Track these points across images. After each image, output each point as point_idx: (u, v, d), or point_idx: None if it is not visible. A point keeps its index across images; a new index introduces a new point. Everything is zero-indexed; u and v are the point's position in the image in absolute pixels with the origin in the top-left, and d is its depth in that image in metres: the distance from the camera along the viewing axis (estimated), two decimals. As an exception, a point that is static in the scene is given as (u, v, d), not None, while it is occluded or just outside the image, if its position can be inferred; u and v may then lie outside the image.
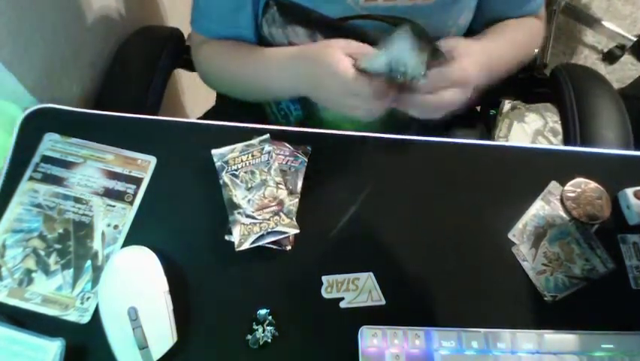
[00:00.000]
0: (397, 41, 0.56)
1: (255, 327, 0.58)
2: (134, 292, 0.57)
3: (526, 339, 0.57)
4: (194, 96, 1.32)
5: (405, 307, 0.60)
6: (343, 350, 0.57)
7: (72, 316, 0.59)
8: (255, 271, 0.62)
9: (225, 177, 0.65)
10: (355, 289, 0.61)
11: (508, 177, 0.68)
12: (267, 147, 0.66)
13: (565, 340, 0.58)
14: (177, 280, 0.60)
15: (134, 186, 0.65)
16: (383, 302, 0.60)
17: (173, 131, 0.70)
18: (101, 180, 0.65)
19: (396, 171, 0.68)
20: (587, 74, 0.88)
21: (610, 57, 1.94)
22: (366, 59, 0.59)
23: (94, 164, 0.66)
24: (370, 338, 0.57)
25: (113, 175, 0.66)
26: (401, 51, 0.57)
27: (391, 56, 0.57)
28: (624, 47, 1.92)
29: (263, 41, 0.76)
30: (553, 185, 0.67)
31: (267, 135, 0.67)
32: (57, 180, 0.65)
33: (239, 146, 0.67)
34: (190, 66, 0.92)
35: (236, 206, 0.63)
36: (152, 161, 0.67)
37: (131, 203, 0.64)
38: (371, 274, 0.61)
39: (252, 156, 0.66)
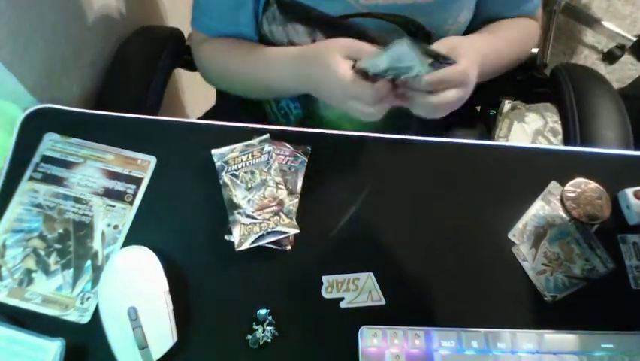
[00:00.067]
0: (398, 44, 0.57)
1: (255, 327, 0.58)
2: (134, 292, 0.57)
3: (526, 339, 0.57)
4: (194, 96, 1.32)
5: (405, 307, 0.60)
6: (343, 350, 0.57)
7: (72, 316, 0.59)
8: (255, 271, 0.62)
9: (225, 177, 0.65)
10: (355, 289, 0.61)
11: (508, 177, 0.68)
12: (267, 147, 0.66)
13: (565, 340, 0.58)
14: (177, 280, 0.60)
15: (134, 186, 0.65)
16: (383, 302, 0.60)
17: (173, 131, 0.70)
18: (101, 180, 0.65)
19: (395, 171, 0.68)
20: (587, 74, 0.88)
21: (610, 57, 1.94)
22: (366, 60, 0.59)
23: (94, 164, 0.66)
24: (370, 338, 0.57)
25: (113, 175, 0.66)
26: (401, 53, 0.57)
27: (392, 56, 0.57)
28: (624, 47, 1.92)
29: (263, 39, 0.76)
30: (553, 185, 0.67)
31: (267, 135, 0.67)
32: (57, 180, 0.65)
33: (239, 146, 0.67)
34: (190, 66, 0.92)
35: (236, 206, 0.63)
36: (152, 161, 0.67)
37: (131, 203, 0.64)
38: (371, 274, 0.61)
39: (252, 156, 0.66)
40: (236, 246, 0.61)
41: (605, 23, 1.95)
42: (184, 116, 1.30)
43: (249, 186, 0.64)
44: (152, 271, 0.59)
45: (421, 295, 0.61)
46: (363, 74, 0.60)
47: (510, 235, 0.64)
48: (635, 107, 1.09)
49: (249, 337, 0.58)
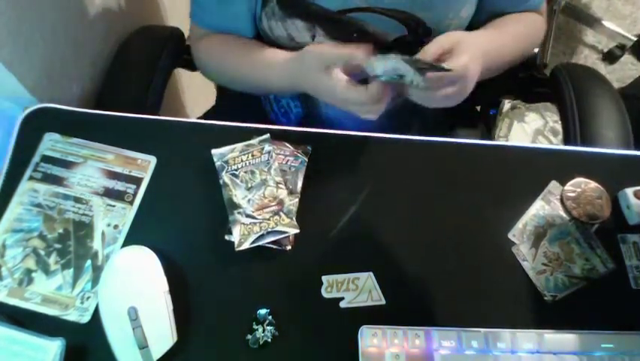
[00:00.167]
0: (389, 58, 0.58)
1: (255, 327, 0.58)
2: (134, 292, 0.57)
3: (526, 339, 0.57)
4: (194, 96, 1.32)
5: (405, 307, 0.60)
6: (343, 350, 0.57)
7: (72, 316, 0.59)
8: (255, 271, 0.62)
9: (225, 177, 0.65)
10: (355, 289, 0.61)
11: (508, 177, 0.68)
12: (267, 147, 0.66)
13: (565, 340, 0.58)
14: (177, 280, 0.60)
15: (134, 186, 0.65)
16: (383, 302, 0.60)
17: (173, 131, 0.70)
18: (101, 179, 0.65)
19: (396, 171, 0.68)
20: (587, 74, 0.88)
21: (610, 57, 1.94)
22: (365, 62, 0.59)
23: (94, 164, 0.66)
24: (370, 338, 0.57)
25: (113, 175, 0.66)
26: (394, 65, 0.57)
27: (384, 67, 0.58)
28: (624, 46, 1.92)
29: (262, 34, 0.76)
30: (554, 185, 0.67)
31: (267, 135, 0.67)
32: (57, 180, 0.65)
33: (239, 146, 0.67)
34: (190, 66, 0.92)
35: (236, 206, 0.63)
36: (152, 161, 0.67)
37: (131, 203, 0.64)
38: (371, 274, 0.61)
39: (252, 155, 0.66)
40: (236, 246, 0.61)
41: (605, 23, 1.95)
42: (184, 116, 1.30)
43: (249, 185, 0.64)
44: (152, 271, 0.59)
45: (421, 295, 0.61)
46: (358, 81, 0.60)
47: (510, 235, 0.64)
48: (635, 107, 1.09)
49: (249, 337, 0.58)
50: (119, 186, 0.65)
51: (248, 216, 0.62)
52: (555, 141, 1.78)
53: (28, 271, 0.60)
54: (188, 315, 0.59)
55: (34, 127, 0.67)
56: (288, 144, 0.68)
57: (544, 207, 0.66)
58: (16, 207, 0.63)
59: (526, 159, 0.70)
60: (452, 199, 0.66)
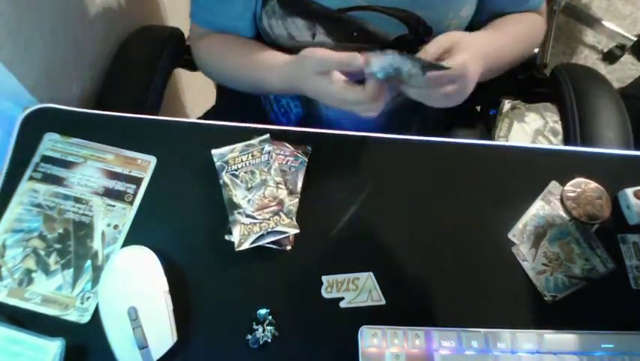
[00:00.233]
0: (387, 54, 0.57)
1: (255, 327, 0.58)
2: (134, 292, 0.57)
3: (526, 339, 0.57)
4: (194, 96, 1.32)
5: (405, 307, 0.60)
6: (343, 350, 0.57)
7: (72, 316, 0.59)
8: (255, 271, 0.62)
9: (225, 177, 0.65)
10: (355, 289, 0.61)
11: (508, 177, 0.68)
12: (267, 147, 0.66)
13: (565, 340, 0.58)
14: (177, 280, 0.60)
15: (134, 186, 0.65)
16: (383, 302, 0.60)
17: (173, 131, 0.70)
18: (101, 180, 0.65)
19: (396, 171, 0.68)
20: (587, 74, 0.88)
21: (610, 57, 1.94)
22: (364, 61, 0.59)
23: (94, 164, 0.66)
24: (370, 338, 0.57)
25: (113, 175, 0.66)
26: (392, 61, 0.57)
27: (381, 64, 0.58)
28: (624, 46, 1.92)
29: (262, 34, 0.76)
30: (553, 185, 0.67)
31: (267, 135, 0.67)
32: (57, 180, 0.65)
33: (239, 146, 0.67)
34: (190, 66, 0.93)
35: (236, 206, 0.63)
36: (152, 161, 0.67)
37: (131, 203, 0.64)
38: (371, 274, 0.61)
39: (252, 156, 0.66)
40: (236, 246, 0.61)
41: (605, 23, 1.95)
42: (184, 116, 1.30)
43: (249, 186, 0.64)
44: (152, 271, 0.59)
45: (421, 295, 0.61)
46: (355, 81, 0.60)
47: (510, 235, 0.64)
48: (635, 107, 1.09)
49: (249, 337, 0.58)
50: (119, 186, 0.65)
51: (248, 216, 0.62)
52: (555, 141, 1.78)
53: (28, 271, 0.60)
54: (188, 315, 0.59)
55: (34, 127, 0.67)
56: (288, 144, 0.68)
57: (544, 207, 0.66)
58: (16, 207, 0.63)
59: (526, 159, 0.70)
60: (452, 199, 0.66)
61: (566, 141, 0.79)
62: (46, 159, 0.66)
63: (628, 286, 0.62)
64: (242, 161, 0.66)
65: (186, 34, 0.92)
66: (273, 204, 0.63)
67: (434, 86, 0.59)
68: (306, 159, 0.67)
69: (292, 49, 0.70)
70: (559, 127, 1.74)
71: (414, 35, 0.71)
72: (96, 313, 0.58)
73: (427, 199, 0.66)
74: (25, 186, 0.64)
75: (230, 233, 0.62)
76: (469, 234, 0.64)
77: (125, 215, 0.64)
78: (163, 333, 0.56)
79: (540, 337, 0.58)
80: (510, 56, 0.76)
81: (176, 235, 0.64)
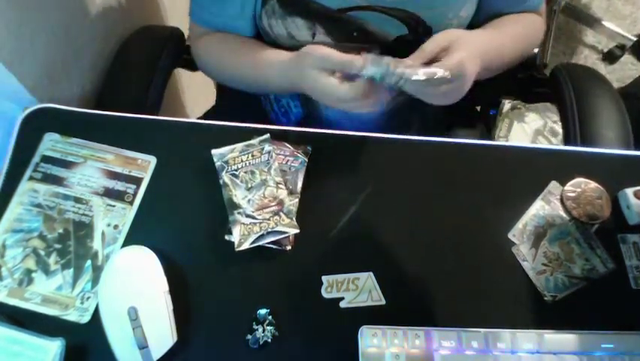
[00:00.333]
0: (375, 61, 0.58)
1: (255, 327, 0.58)
2: (134, 292, 0.57)
3: (526, 339, 0.57)
4: (194, 96, 1.32)
5: (405, 307, 0.60)
6: (343, 350, 0.57)
7: (72, 316, 0.59)
8: (255, 271, 0.62)
9: (225, 177, 0.65)
10: (355, 289, 0.61)
11: (508, 177, 0.68)
12: (267, 147, 0.66)
13: (565, 340, 0.58)
14: (177, 280, 0.60)
15: (134, 186, 0.65)
16: (383, 302, 0.60)
17: (173, 131, 0.70)
18: (101, 180, 0.65)
19: (396, 171, 0.68)
20: (587, 74, 0.88)
21: (610, 57, 1.94)
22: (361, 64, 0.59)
23: (94, 164, 0.66)
24: (370, 338, 0.57)
25: (113, 175, 0.66)
26: (389, 70, 0.57)
27: (373, 71, 0.58)
28: (624, 46, 1.92)
29: (262, 33, 0.76)
30: (553, 185, 0.67)
31: (267, 135, 0.67)
32: (57, 180, 0.65)
33: (239, 146, 0.67)
34: (190, 66, 0.93)
35: (236, 206, 0.63)
36: (152, 161, 0.67)
37: (131, 203, 0.64)
38: (371, 274, 0.61)
39: (252, 156, 0.66)
40: (236, 246, 0.61)
41: (605, 23, 1.95)
42: (184, 116, 1.30)
43: (249, 186, 0.64)
44: (152, 271, 0.59)
45: (421, 295, 0.61)
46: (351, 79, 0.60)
47: (510, 235, 0.64)
48: (635, 107, 1.09)
49: (249, 337, 0.58)
50: (119, 186, 0.65)
51: (248, 216, 0.62)
52: (555, 141, 1.78)
53: (28, 271, 0.60)
54: (188, 315, 0.59)
55: (34, 127, 0.67)
56: (288, 144, 0.68)
57: (544, 207, 0.66)
58: (16, 207, 0.63)
59: (526, 159, 0.70)
60: (452, 199, 0.66)
61: (566, 141, 0.79)
62: (46, 159, 0.66)
63: (628, 286, 0.62)
64: (242, 161, 0.66)
65: (186, 34, 0.92)
66: (273, 204, 0.63)
67: (431, 84, 0.59)
68: (306, 159, 0.67)
69: (292, 48, 0.70)
70: (558, 127, 1.74)
71: (414, 35, 0.71)
72: (96, 313, 0.58)
73: (427, 199, 0.66)
74: (25, 186, 0.64)
75: (230, 233, 0.62)
76: (469, 234, 0.64)
77: (125, 215, 0.64)
78: (163, 333, 0.56)
79: (540, 337, 0.58)
80: (508, 56, 0.76)
81: (176, 235, 0.64)
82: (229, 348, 0.58)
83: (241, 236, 0.61)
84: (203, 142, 0.67)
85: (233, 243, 0.61)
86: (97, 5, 0.84)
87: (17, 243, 0.61)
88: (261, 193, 0.64)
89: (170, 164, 0.67)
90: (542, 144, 1.77)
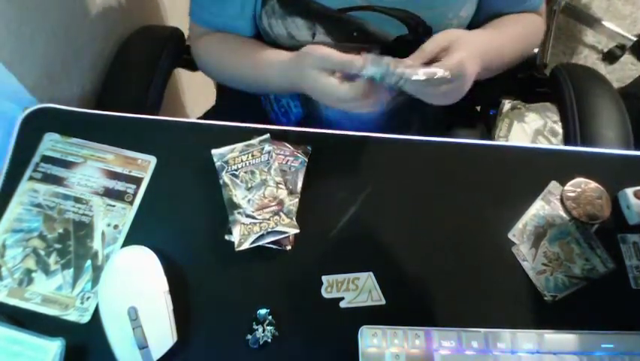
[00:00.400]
0: (374, 61, 0.58)
1: (255, 327, 0.58)
2: (134, 292, 0.57)
3: (526, 339, 0.57)
4: (194, 96, 1.32)
5: (405, 307, 0.60)
6: (343, 350, 0.57)
7: (72, 316, 0.59)
8: (255, 271, 0.62)
9: (225, 177, 0.65)
10: (355, 289, 0.61)
11: (508, 177, 0.68)
12: (267, 147, 0.66)
13: (565, 340, 0.58)
14: (177, 280, 0.60)
15: (134, 186, 0.65)
16: (383, 302, 0.60)
17: (173, 131, 0.70)
18: (101, 179, 0.65)
19: (396, 171, 0.68)
20: (587, 74, 0.88)
21: (610, 57, 1.94)
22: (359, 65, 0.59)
23: (94, 164, 0.66)
24: (370, 338, 0.57)
25: (113, 175, 0.66)
26: (389, 71, 0.57)
27: (381, 70, 0.58)
28: (624, 46, 1.92)
29: (262, 33, 0.76)
30: (553, 185, 0.67)
31: (267, 135, 0.67)
32: (57, 180, 0.65)
33: (239, 146, 0.67)
34: (190, 66, 0.93)
35: (236, 206, 0.63)
36: (152, 161, 0.67)
37: (131, 203, 0.64)
38: (371, 274, 0.61)
39: (252, 155, 0.66)
40: (236, 246, 0.61)
41: (605, 23, 1.95)
42: (184, 116, 1.30)
43: (249, 186, 0.64)
44: (152, 271, 0.59)
45: (421, 295, 0.61)
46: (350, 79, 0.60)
47: (510, 235, 0.64)
48: (635, 107, 1.09)
49: (249, 337, 0.58)
50: (119, 186, 0.65)
51: (248, 216, 0.62)
52: (555, 141, 1.78)
53: (28, 271, 0.60)
54: (188, 315, 0.59)
55: (34, 127, 0.67)
56: (288, 144, 0.68)
57: (544, 207, 0.66)
58: (16, 207, 0.63)
59: (526, 159, 0.70)
60: (452, 199, 0.66)
61: (566, 141, 0.79)
62: (46, 159, 0.66)
63: (628, 286, 0.62)
64: (242, 161, 0.66)
65: (186, 34, 0.92)
66: (273, 204, 0.63)
67: (431, 84, 0.59)
68: (306, 159, 0.67)
69: (292, 48, 0.70)
70: (558, 128, 1.74)
71: (414, 35, 0.71)
72: (96, 313, 0.58)
73: (427, 199, 0.66)
74: (25, 186, 0.64)
75: (230, 233, 0.62)
76: (469, 234, 0.64)
77: (125, 215, 0.64)
78: (163, 333, 0.56)
79: (540, 337, 0.58)
80: (508, 56, 0.76)
81: (176, 235, 0.64)
82: (229, 348, 0.58)
83: (241, 236, 0.61)
84: (203, 142, 0.67)
85: (233, 243, 0.61)
86: (97, 5, 0.84)
87: (17, 243, 0.61)
88: (261, 193, 0.64)
89: (170, 164, 0.67)
90: (542, 144, 1.77)
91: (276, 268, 0.62)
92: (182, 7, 0.81)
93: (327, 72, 0.61)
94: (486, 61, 0.66)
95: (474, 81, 0.63)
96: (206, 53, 0.80)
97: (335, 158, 0.69)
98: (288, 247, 0.63)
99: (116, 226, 0.63)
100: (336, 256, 0.63)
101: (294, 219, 0.63)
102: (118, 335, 0.56)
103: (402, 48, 0.64)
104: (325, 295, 0.60)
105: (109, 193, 0.65)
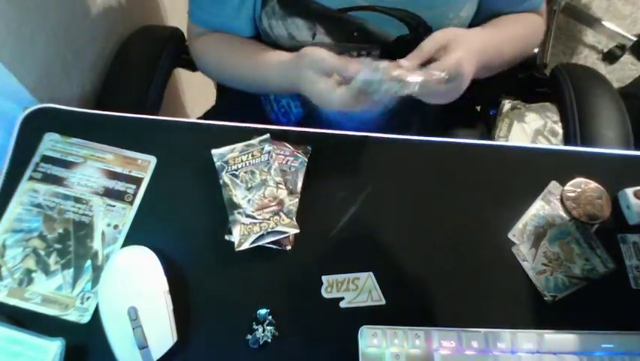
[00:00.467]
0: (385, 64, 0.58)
1: (255, 327, 0.58)
2: (134, 292, 0.57)
3: (526, 339, 0.57)
4: (194, 96, 1.32)
5: (405, 307, 0.60)
6: (343, 350, 0.57)
7: (72, 316, 0.59)
8: (255, 271, 0.62)
9: (225, 177, 0.65)
10: (355, 289, 0.61)
11: (508, 177, 0.68)
12: (267, 147, 0.66)
13: (565, 340, 0.58)
14: (177, 280, 0.60)
15: (134, 186, 0.65)
16: (383, 302, 0.60)
17: (173, 131, 0.70)
18: (101, 180, 0.65)
19: (396, 171, 0.68)
20: (587, 74, 0.88)
21: (610, 57, 1.94)
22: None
23: (94, 164, 0.66)
24: (370, 338, 0.57)
25: (113, 175, 0.66)
26: (382, 78, 0.57)
27: (376, 75, 0.58)
28: (624, 46, 1.92)
29: (262, 34, 0.76)
30: (553, 185, 0.67)
31: (267, 135, 0.67)
32: (57, 180, 0.65)
33: (239, 146, 0.67)
34: (190, 66, 0.93)
35: (236, 206, 0.63)
36: (152, 161, 0.67)
37: (131, 203, 0.64)
38: (371, 274, 0.61)
39: (252, 155, 0.66)
40: (236, 246, 0.61)
41: (605, 23, 1.95)
42: (184, 116, 1.30)
43: (249, 186, 0.64)
44: (152, 271, 0.59)
45: (421, 295, 0.61)
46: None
47: (510, 235, 0.64)
48: (635, 107, 1.09)
49: (249, 337, 0.58)
50: (119, 186, 0.65)
51: (248, 216, 0.62)
52: (555, 141, 1.78)
53: (28, 271, 0.60)
54: (188, 315, 0.59)
55: (34, 127, 0.67)
56: (288, 144, 0.68)
57: (544, 207, 0.66)
58: (16, 207, 0.63)
59: (526, 159, 0.70)
60: (452, 199, 0.66)
61: (566, 140, 0.79)
62: (46, 159, 0.66)
63: (628, 286, 0.62)
64: (242, 161, 0.66)
65: (186, 34, 0.92)
66: (273, 204, 0.63)
67: (429, 86, 0.59)
68: (306, 159, 0.67)
69: (292, 49, 0.70)
70: (558, 128, 1.74)
71: (414, 35, 0.71)
72: (96, 313, 0.58)
73: (427, 199, 0.66)
74: (25, 186, 0.64)
75: (230, 233, 0.62)
76: (469, 234, 0.64)
77: (125, 215, 0.64)
78: (163, 333, 0.56)
79: (540, 337, 0.58)
80: (508, 55, 0.76)
81: (176, 235, 0.64)
82: (229, 348, 0.58)
83: (241, 236, 0.61)
84: (203, 142, 0.67)
85: (233, 243, 0.61)
86: (97, 5, 0.84)
87: (17, 243, 0.61)
88: (261, 193, 0.64)
89: (170, 164, 0.67)
90: (542, 144, 1.77)
91: (276, 268, 0.62)
92: (182, 7, 0.81)
93: (324, 75, 0.61)
94: (485, 59, 0.66)
95: (473, 81, 0.63)
96: (205, 53, 0.80)
97: (335, 158, 0.69)
98: (288, 247, 0.63)
99: (116, 226, 0.63)
100: (336, 256, 0.63)
101: (294, 219, 0.63)
102: (118, 335, 0.56)
103: (402, 48, 0.64)
104: (325, 295, 0.60)
105: (109, 193, 0.65)
